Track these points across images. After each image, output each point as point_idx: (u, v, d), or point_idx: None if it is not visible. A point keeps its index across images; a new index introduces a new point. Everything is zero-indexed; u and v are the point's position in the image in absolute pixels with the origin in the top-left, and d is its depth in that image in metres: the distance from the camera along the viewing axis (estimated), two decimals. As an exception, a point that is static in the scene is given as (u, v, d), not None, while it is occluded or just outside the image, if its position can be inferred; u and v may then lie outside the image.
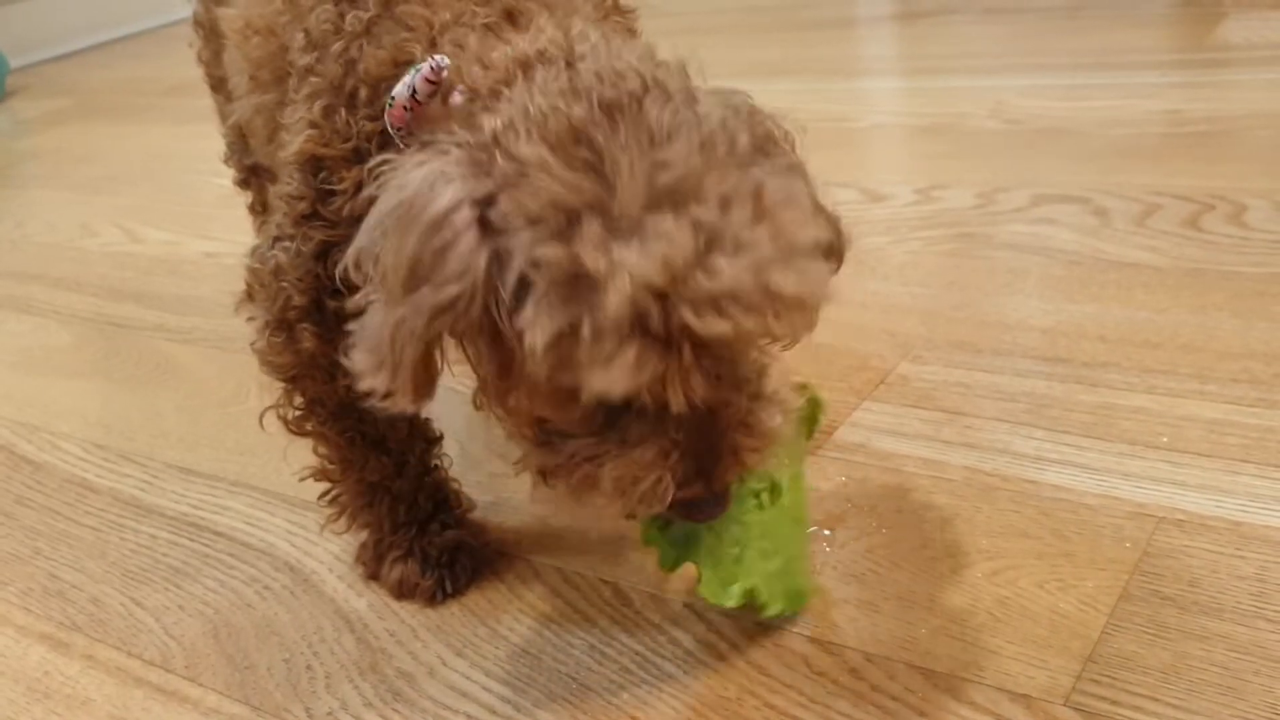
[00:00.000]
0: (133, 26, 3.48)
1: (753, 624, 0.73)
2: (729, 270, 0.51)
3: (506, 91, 0.58)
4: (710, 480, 0.60)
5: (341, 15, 0.69)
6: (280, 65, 0.75)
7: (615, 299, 0.50)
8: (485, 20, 0.64)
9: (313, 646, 0.79)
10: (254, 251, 0.76)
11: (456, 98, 0.61)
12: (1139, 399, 0.89)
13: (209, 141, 1.30)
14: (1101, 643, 0.67)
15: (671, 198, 0.52)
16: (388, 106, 0.64)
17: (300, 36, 0.71)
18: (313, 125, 0.69)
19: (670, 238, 0.51)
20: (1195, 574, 0.71)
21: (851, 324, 1.06)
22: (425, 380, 0.57)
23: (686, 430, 0.58)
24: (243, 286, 0.77)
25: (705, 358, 0.53)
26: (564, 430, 0.60)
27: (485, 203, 0.54)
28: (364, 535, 0.84)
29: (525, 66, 0.59)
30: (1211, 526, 0.74)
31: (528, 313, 0.53)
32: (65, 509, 1.01)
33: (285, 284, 0.72)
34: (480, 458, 0.96)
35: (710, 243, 0.51)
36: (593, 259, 0.50)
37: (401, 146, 0.63)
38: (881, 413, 0.92)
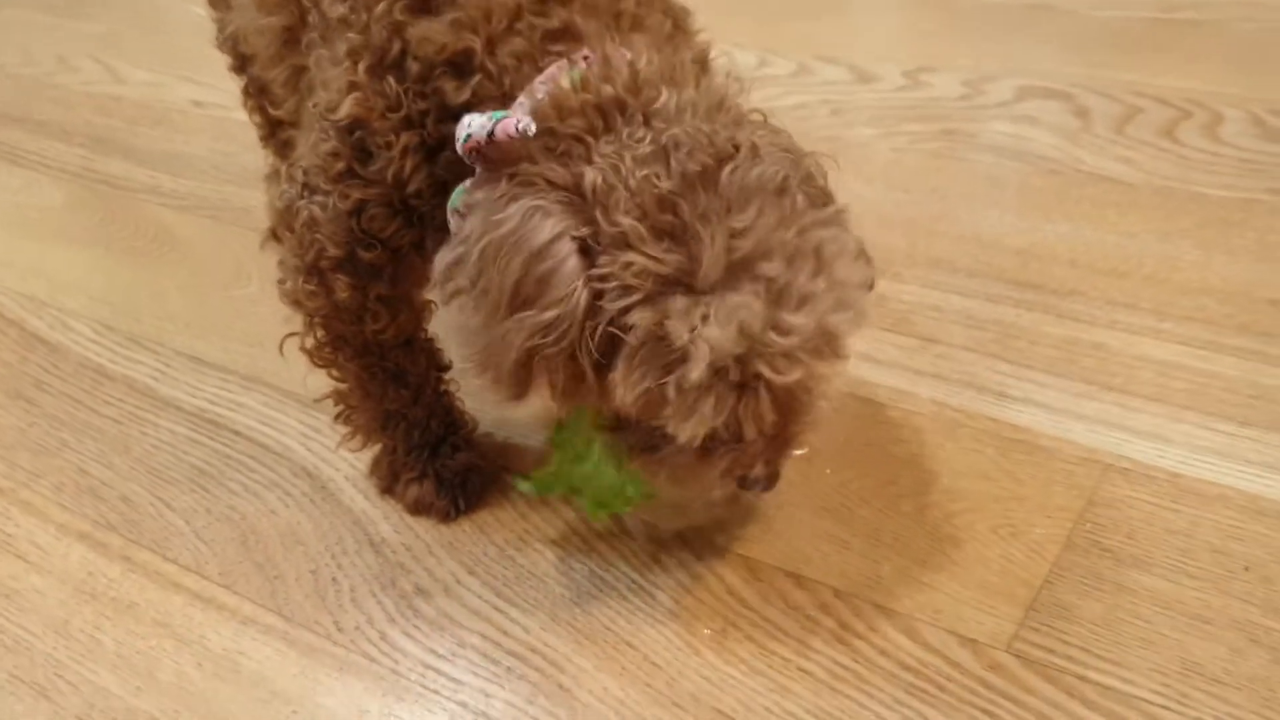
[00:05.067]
0: None
1: (737, 556, 0.81)
2: (797, 324, 0.59)
3: (591, 143, 0.61)
4: (775, 464, 0.70)
5: None
6: None
7: (698, 368, 0.58)
8: (544, 29, 0.66)
9: (336, 558, 0.86)
10: (281, 195, 0.76)
11: (529, 126, 0.63)
12: (1101, 334, 0.95)
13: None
14: (1043, 591, 0.76)
15: (745, 264, 0.59)
16: (460, 140, 0.65)
17: None
18: (355, 87, 0.69)
19: (747, 307, 0.58)
20: (1133, 525, 0.79)
21: (835, 234, 1.10)
22: (526, 383, 0.64)
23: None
24: (266, 224, 0.80)
25: (775, 392, 0.62)
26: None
27: (583, 241, 0.60)
28: (376, 450, 0.90)
29: (604, 115, 0.62)
30: (1153, 477, 0.82)
31: (619, 369, 0.60)
32: (84, 396, 1.06)
33: (319, 236, 0.73)
34: (481, 364, 1.02)
35: (779, 300, 0.59)
36: (678, 331, 0.58)
37: (474, 168, 0.66)
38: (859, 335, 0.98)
